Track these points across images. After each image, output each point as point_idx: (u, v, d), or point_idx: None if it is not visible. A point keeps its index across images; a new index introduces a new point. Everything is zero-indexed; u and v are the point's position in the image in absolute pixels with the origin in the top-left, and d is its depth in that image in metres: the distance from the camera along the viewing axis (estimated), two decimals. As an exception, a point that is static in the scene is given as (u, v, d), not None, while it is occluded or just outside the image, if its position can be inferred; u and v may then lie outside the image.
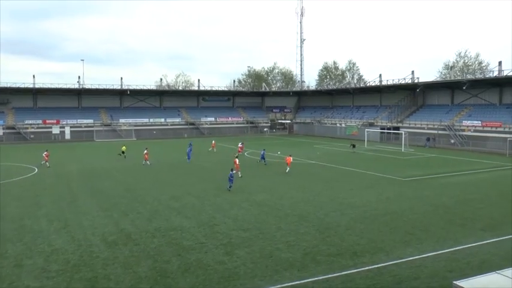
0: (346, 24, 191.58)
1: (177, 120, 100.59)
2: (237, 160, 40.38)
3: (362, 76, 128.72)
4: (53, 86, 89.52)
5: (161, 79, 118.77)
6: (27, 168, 45.14)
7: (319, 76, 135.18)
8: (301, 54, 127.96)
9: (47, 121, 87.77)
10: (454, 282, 8.00)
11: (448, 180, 37.84)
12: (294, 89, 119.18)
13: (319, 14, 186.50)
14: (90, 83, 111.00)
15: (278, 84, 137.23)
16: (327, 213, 25.52)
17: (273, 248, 19.24)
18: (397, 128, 78.45)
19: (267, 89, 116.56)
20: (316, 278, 15.84)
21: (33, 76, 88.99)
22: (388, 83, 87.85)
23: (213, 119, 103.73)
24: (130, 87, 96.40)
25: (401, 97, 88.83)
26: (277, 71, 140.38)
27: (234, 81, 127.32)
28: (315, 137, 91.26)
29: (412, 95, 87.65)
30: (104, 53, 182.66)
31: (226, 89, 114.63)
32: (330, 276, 16.04)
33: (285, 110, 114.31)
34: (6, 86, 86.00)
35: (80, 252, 18.89)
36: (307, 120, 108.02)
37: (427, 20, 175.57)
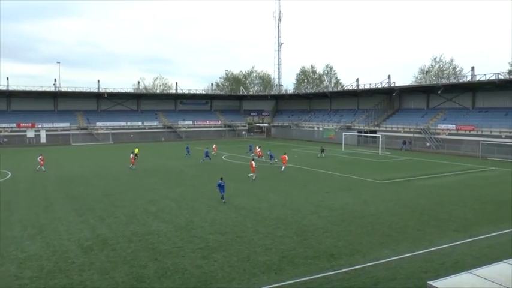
0: (323, 29, 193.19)
1: (155, 123, 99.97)
2: (253, 163, 40.78)
3: (339, 80, 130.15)
4: (27, 89, 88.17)
5: (139, 82, 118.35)
6: (1, 173, 44.30)
7: (297, 80, 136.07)
8: (279, 58, 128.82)
9: (22, 124, 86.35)
10: (428, 282, 8.09)
11: (424, 183, 38.35)
12: (272, 93, 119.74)
13: (297, 18, 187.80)
14: (66, 85, 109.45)
15: (256, 88, 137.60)
16: (305, 216, 25.58)
17: (251, 251, 19.19)
18: (374, 132, 79.29)
19: (245, 93, 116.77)
20: (293, 281, 15.81)
21: (7, 78, 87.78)
22: (365, 87, 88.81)
23: (190, 122, 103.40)
24: (108, 90, 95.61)
25: (378, 101, 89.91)
26: (255, 74, 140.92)
27: (212, 84, 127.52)
28: (292, 140, 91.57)
29: (388, 99, 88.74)
30: (81, 56, 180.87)
31: (204, 92, 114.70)
32: (307, 278, 16.03)
33: (263, 114, 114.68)
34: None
35: (54, 258, 18.48)
36: (284, 123, 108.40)
37: (404, 25, 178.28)
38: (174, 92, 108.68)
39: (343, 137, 74.89)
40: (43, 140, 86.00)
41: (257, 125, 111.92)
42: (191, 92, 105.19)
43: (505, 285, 7.31)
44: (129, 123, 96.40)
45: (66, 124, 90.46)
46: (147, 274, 16.55)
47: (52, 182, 39.22)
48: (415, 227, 23.37)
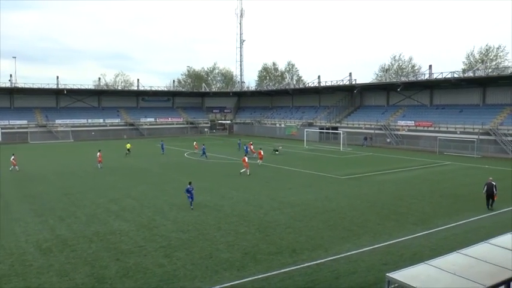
0: (285, 26, 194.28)
1: (116, 120, 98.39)
2: (246, 158, 42.00)
3: (301, 77, 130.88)
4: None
5: (99, 78, 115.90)
6: (-46, 173, 42.74)
7: (259, 77, 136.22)
8: (241, 55, 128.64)
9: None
10: (387, 274, 8.27)
11: (384, 178, 39.12)
12: (234, 90, 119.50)
13: (259, 15, 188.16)
14: (23, 81, 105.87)
15: (218, 85, 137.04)
16: (267, 213, 25.70)
17: (213, 248, 19.14)
18: (336, 128, 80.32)
19: (207, 90, 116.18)
20: (255, 277, 15.86)
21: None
22: (327, 84, 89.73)
23: (152, 119, 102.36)
24: (67, 87, 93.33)
25: (340, 98, 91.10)
26: (217, 71, 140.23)
27: (174, 81, 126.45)
28: (255, 137, 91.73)
29: (349, 96, 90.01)
30: (39, 51, 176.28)
31: (165, 89, 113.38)
32: (269, 274, 16.11)
33: (225, 111, 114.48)
34: None
35: (10, 261, 17.86)
36: (247, 120, 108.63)
37: (364, 24, 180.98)
38: (135, 88, 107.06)
39: (305, 133, 75.61)
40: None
41: (219, 122, 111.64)
42: (153, 88, 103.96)
43: (458, 274, 7.58)
44: (90, 121, 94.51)
45: (24, 121, 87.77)
46: (108, 274, 16.26)
47: (9, 181, 38.01)
48: (375, 221, 23.82)
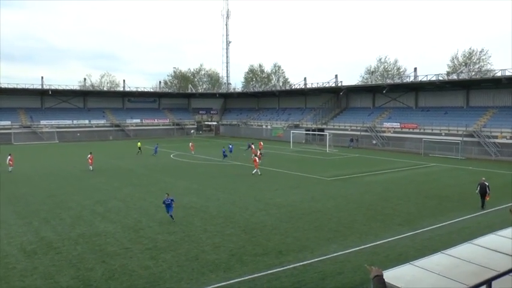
0: (271, 28, 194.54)
1: (102, 121, 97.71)
2: (256, 158, 42.76)
3: (287, 79, 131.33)
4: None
5: (85, 79, 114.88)
6: None
7: (245, 78, 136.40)
8: (227, 56, 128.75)
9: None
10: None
11: (371, 179, 39.38)
12: (220, 91, 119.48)
13: (245, 16, 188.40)
14: (7, 82, 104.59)
15: (204, 86, 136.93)
16: (253, 214, 25.73)
17: (199, 250, 19.12)
18: (322, 130, 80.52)
19: (193, 91, 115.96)
20: (242, 279, 15.87)
21: None
22: (313, 86, 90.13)
23: (138, 120, 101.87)
24: (52, 87, 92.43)
25: (326, 100, 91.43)
26: (203, 72, 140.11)
27: (160, 82, 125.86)
28: (241, 138, 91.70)
29: (335, 98, 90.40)
30: (23, 50, 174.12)
31: (152, 90, 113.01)
32: (255, 275, 16.14)
33: (212, 112, 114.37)
34: None
35: (-7, 264, 17.57)
36: (233, 122, 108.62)
37: (350, 26, 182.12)
38: (121, 89, 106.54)
39: (291, 135, 75.79)
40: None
41: (206, 123, 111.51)
42: (139, 89, 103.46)
43: (442, 275, 7.70)
44: (75, 122, 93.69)
45: (7, 122, 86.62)
46: (93, 277, 16.16)
47: (-8, 183, 37.60)
48: (361, 222, 23.98)
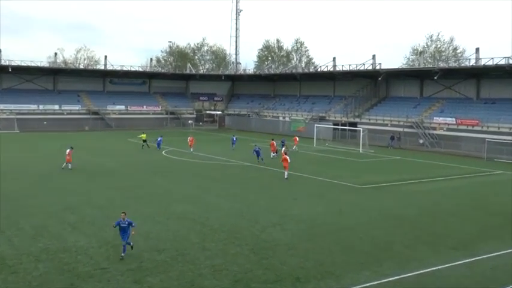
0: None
1: (76, 107, 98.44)
2: (287, 158, 42.54)
3: (312, 59, 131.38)
4: None
5: (56, 54, 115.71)
6: None
7: (259, 57, 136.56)
8: (236, 29, 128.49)
9: None
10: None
11: (415, 188, 39.01)
12: (227, 73, 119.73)
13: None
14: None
15: (207, 66, 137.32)
16: (264, 229, 25.50)
17: (195, 273, 18.90)
18: (355, 124, 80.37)
19: (193, 71, 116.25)
20: (249, 312, 15.72)
21: None
22: (344, 68, 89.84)
23: (123, 107, 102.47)
24: (13, 63, 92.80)
25: (360, 87, 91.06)
26: (206, 48, 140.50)
27: (152, 60, 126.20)
28: (252, 132, 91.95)
29: (372, 85, 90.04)
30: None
31: (140, 69, 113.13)
32: (266, 309, 15.97)
33: (215, 99, 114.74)
34: None
35: None
36: (242, 111, 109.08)
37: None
38: (102, 68, 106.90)
39: (315, 130, 75.16)
40: None
41: (208, 112, 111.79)
42: (124, 68, 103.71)
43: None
44: (41, 107, 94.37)
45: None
46: (59, 304, 16.05)
47: None
48: (402, 243, 23.64)
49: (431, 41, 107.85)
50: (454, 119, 72.56)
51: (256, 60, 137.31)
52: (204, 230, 25.13)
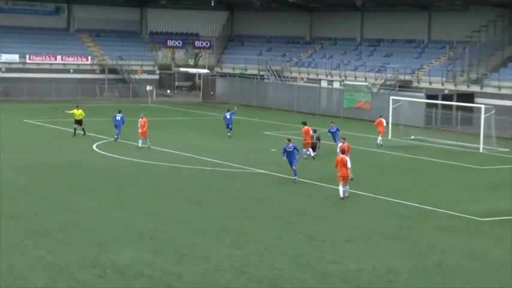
0: None
1: None
2: (347, 160, 42.76)
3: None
4: None
5: None
6: None
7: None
8: None
9: None
10: None
11: None
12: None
13: None
14: None
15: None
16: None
17: None
18: (470, 97, 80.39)
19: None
20: None
21: None
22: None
23: (16, 56, 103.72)
24: None
25: (482, 23, 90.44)
26: None
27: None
28: (265, 110, 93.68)
29: (508, 20, 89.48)
30: None
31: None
32: None
33: (198, 44, 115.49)
34: None
35: None
36: (249, 69, 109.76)
37: None
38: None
39: (391, 108, 74.58)
40: None
41: (182, 70, 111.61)
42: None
43: None
44: None
45: None
46: None
47: None
48: None
49: None
50: None
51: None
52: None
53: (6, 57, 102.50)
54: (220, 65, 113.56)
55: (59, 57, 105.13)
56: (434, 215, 38.94)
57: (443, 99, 79.59)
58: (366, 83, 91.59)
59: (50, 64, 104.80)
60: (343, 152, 44.33)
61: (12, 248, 29.97)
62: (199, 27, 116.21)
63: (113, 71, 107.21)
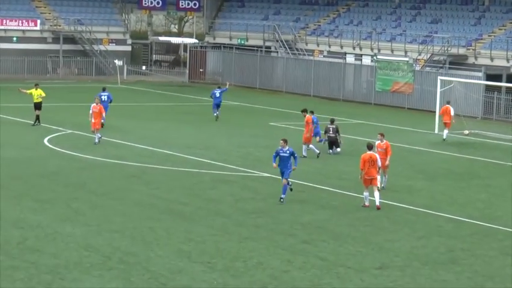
0: None
1: None
2: (377, 158, 43.86)
3: None
4: None
5: None
6: None
7: None
8: None
9: None
10: None
11: None
12: None
13: None
14: None
15: None
16: None
17: None
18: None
19: None
20: None
21: None
22: None
23: None
24: None
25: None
26: None
27: None
28: (271, 94, 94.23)
29: None
30: None
31: None
32: None
33: (182, 5, 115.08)
34: None
35: None
36: (250, 38, 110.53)
37: None
38: None
39: (438, 90, 74.81)
40: None
41: (162, 39, 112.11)
42: None
43: None
44: None
45: None
46: None
47: None
48: None
49: None
50: None
51: None
52: None
53: None
54: (213, 33, 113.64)
55: (3, 22, 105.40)
56: (494, 234, 39.11)
57: (508, 81, 79.66)
58: (406, 59, 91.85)
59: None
60: (370, 148, 43.89)
61: None
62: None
63: (70, 40, 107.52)
